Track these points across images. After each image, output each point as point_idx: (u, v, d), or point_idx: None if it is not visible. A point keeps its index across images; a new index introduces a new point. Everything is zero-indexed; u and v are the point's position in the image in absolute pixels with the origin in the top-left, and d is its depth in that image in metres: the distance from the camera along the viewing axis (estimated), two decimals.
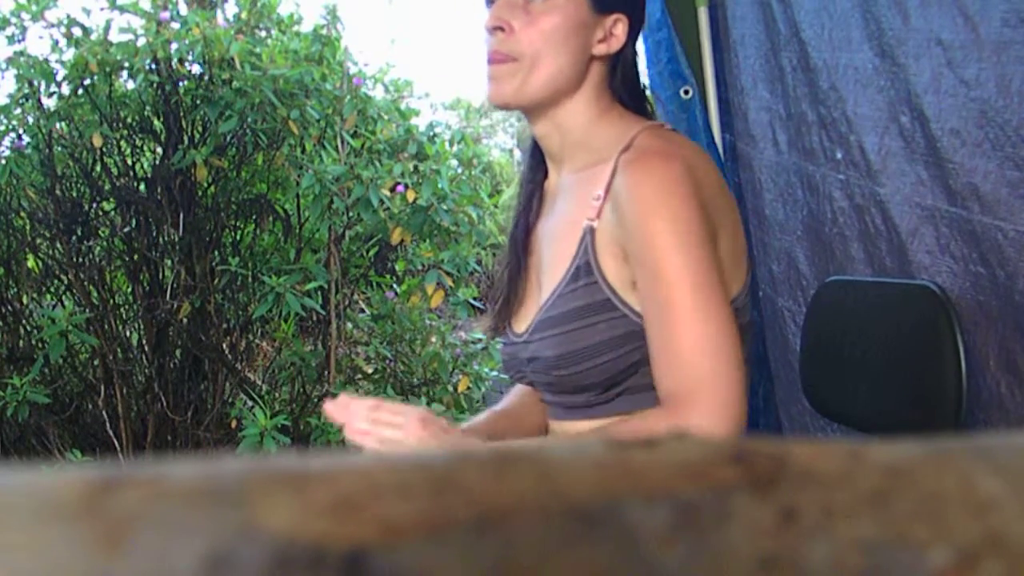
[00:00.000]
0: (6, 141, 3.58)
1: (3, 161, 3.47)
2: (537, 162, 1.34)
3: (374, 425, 1.10)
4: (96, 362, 3.69)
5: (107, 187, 3.66)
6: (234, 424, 3.48)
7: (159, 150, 3.70)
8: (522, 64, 1.18)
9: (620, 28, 1.22)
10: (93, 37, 3.47)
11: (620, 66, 1.24)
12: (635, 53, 1.27)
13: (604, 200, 1.16)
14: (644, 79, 1.34)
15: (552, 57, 1.18)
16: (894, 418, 1.62)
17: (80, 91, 3.51)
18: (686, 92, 2.30)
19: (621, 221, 1.12)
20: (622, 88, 1.25)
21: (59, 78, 3.49)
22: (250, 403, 3.59)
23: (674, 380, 1.06)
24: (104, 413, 3.61)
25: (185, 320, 3.65)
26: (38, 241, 3.79)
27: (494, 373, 3.84)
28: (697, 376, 1.04)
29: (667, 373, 1.07)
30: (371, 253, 4.01)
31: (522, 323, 1.28)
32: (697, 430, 1.02)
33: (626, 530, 0.22)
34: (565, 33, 1.19)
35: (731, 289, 1.17)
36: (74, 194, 3.69)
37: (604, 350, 1.14)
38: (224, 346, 3.76)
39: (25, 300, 3.82)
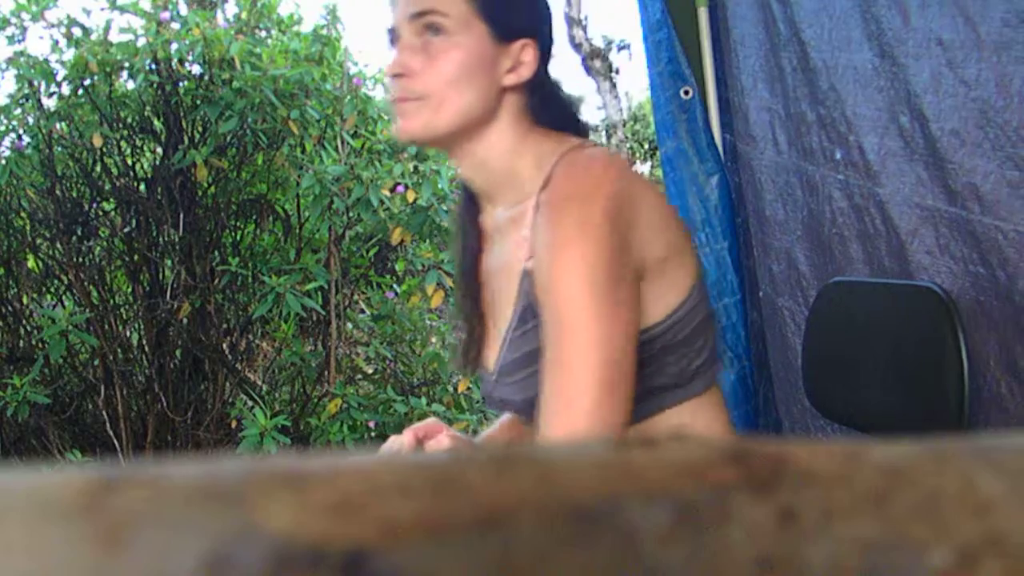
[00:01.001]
0: (6, 141, 3.58)
1: (3, 161, 3.47)
2: (468, 199, 1.29)
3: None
4: (96, 362, 3.69)
5: (107, 187, 3.66)
6: (234, 424, 3.48)
7: (159, 150, 3.70)
8: (428, 102, 1.14)
9: (529, 54, 1.17)
10: (93, 37, 3.47)
11: (537, 92, 1.19)
12: (548, 73, 1.21)
13: (532, 239, 1.13)
14: (567, 92, 1.26)
15: (457, 95, 1.13)
16: (896, 419, 1.62)
17: (80, 91, 3.51)
18: (686, 92, 2.30)
19: (537, 262, 1.10)
20: (541, 111, 1.19)
21: (59, 78, 3.49)
22: (250, 403, 3.59)
23: (554, 405, 1.03)
24: (104, 413, 3.61)
25: (185, 320, 3.65)
26: (38, 241, 3.79)
27: None
28: (579, 407, 1.02)
29: (550, 394, 1.04)
30: (371, 253, 4.01)
31: (490, 359, 1.25)
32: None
33: (626, 530, 0.22)
34: (468, 70, 1.13)
35: (668, 301, 1.13)
36: (74, 194, 3.69)
37: None
38: (224, 346, 3.76)
39: (25, 300, 3.82)
